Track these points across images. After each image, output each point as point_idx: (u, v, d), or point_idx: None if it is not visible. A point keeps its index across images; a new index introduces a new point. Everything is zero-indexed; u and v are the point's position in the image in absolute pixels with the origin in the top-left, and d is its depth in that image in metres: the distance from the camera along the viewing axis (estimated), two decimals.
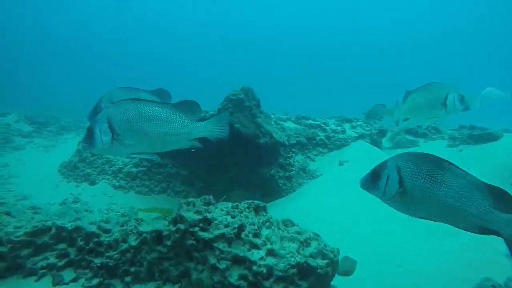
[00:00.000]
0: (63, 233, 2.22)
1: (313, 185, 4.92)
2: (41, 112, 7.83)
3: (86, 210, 3.92)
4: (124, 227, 2.18)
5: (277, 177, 4.95)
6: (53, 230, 2.21)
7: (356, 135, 6.45)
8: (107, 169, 4.40)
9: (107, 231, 2.21)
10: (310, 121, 6.53)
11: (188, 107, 2.05)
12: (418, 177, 1.55)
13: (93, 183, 4.27)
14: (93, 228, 2.23)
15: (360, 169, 2.33)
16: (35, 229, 2.17)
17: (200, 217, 1.87)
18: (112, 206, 3.85)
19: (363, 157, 5.32)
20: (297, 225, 2.05)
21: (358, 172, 2.19)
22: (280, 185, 4.92)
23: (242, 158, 4.84)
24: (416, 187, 1.56)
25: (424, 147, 6.31)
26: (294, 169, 5.13)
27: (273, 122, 5.68)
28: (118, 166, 4.40)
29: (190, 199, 2.03)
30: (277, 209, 4.41)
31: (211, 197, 2.07)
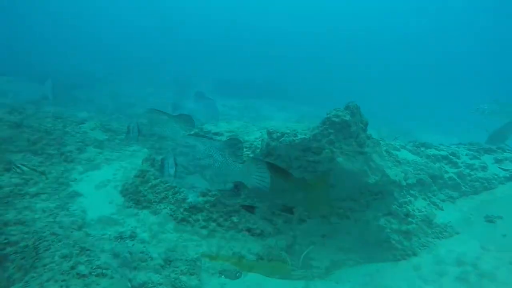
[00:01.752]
0: None
1: (445, 250, 3.34)
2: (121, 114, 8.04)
3: (141, 252, 3.26)
4: None
5: (388, 230, 3.53)
6: None
7: (507, 175, 4.53)
8: (170, 196, 3.68)
9: None
10: (432, 151, 4.85)
11: (184, 121, 2.71)
12: None
13: (154, 212, 3.58)
14: None
15: None
16: None
17: None
18: (172, 254, 3.04)
19: None
20: None
21: None
22: (393, 242, 3.48)
23: (339, 198, 3.59)
24: None
25: None
26: (414, 221, 3.62)
27: (384, 152, 4.26)
28: (182, 195, 3.64)
29: None
30: (390, 282, 3.02)
31: None
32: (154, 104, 10.14)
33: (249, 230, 3.71)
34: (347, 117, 3.25)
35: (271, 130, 3.63)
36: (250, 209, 3.36)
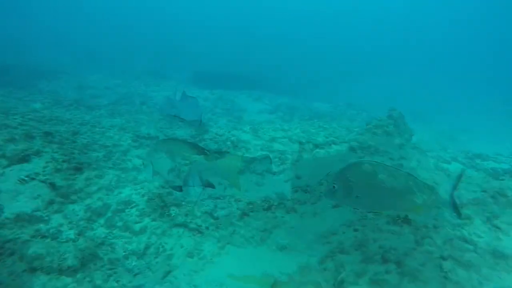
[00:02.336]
0: None
1: None
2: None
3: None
4: None
5: (445, 270, 3.02)
6: None
7: None
8: (195, 212, 3.45)
9: None
10: (491, 163, 4.22)
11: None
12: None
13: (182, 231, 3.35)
14: None
15: None
16: None
17: None
18: (197, 279, 2.77)
19: None
20: None
21: None
22: (449, 277, 2.96)
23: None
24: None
25: None
26: (473, 248, 3.08)
27: (431, 164, 3.73)
28: (209, 207, 3.40)
29: None
30: None
31: None
32: (118, 94, 10.16)
33: (279, 246, 3.37)
34: (390, 127, 2.83)
35: (303, 141, 3.31)
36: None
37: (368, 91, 19.55)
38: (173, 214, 3.51)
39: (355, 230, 2.67)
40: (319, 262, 2.41)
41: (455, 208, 1.96)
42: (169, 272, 2.74)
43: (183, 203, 3.65)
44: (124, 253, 3.02)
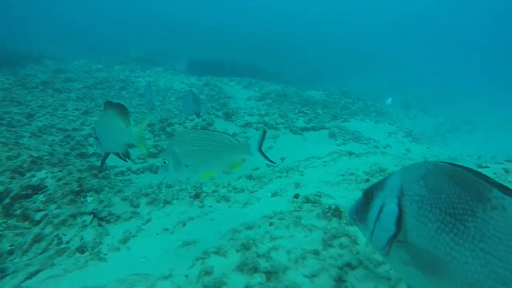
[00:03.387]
0: None
1: None
2: None
3: None
4: None
5: None
6: None
7: None
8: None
9: None
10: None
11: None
12: (431, 215, 0.73)
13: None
14: None
15: None
16: None
17: None
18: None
19: None
20: None
21: None
22: None
23: None
24: (423, 236, 0.74)
25: None
26: None
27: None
28: None
29: None
30: None
31: None
32: (95, 79, 9.65)
33: None
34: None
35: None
36: None
37: (372, 82, 18.80)
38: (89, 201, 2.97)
39: (271, 224, 2.07)
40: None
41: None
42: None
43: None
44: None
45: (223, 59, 15.87)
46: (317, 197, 2.47)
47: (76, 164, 4.03)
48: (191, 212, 2.73)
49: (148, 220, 2.68)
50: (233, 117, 6.79)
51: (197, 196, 2.92)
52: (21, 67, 10.83)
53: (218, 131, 1.98)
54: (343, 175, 2.95)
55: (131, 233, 2.45)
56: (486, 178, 0.76)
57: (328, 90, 11.62)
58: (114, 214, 2.78)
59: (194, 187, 3.07)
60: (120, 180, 4.51)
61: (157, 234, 2.44)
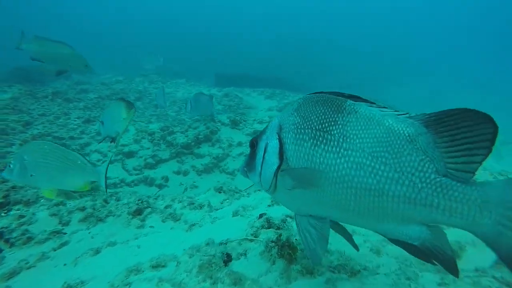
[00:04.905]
0: None
1: None
2: None
3: None
4: None
5: None
6: None
7: None
8: None
9: None
10: None
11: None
12: (306, 136, 0.92)
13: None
14: None
15: None
16: None
17: None
18: None
19: None
20: None
21: None
22: None
23: None
24: (301, 157, 0.92)
25: None
26: None
27: None
28: None
29: None
30: None
31: None
32: (111, 90, 9.22)
33: None
34: None
35: None
36: None
37: (409, 91, 17.31)
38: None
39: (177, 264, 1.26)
40: None
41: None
42: None
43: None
44: None
45: (249, 71, 15.39)
46: (288, 218, 1.62)
47: None
48: (122, 234, 1.98)
49: (64, 244, 1.98)
50: (240, 124, 6.07)
51: (138, 212, 2.17)
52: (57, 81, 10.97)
53: (75, 151, 1.94)
54: None
55: (21, 266, 1.74)
56: (343, 95, 0.93)
57: None
58: (28, 234, 2.11)
59: (139, 200, 2.33)
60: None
61: (56, 266, 1.72)
